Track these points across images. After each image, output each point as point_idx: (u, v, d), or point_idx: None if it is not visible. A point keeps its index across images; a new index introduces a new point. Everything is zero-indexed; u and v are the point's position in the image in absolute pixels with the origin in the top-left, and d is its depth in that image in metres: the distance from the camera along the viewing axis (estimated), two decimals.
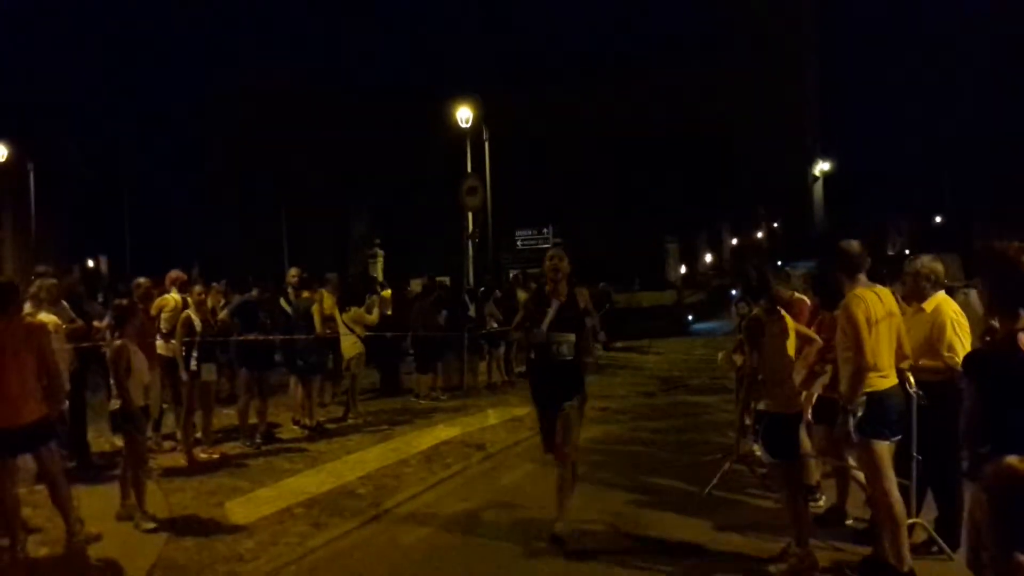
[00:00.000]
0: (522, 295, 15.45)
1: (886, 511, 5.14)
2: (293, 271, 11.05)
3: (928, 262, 5.83)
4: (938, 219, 53.78)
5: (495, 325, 14.32)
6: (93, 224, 45.36)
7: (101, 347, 7.84)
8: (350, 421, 11.06)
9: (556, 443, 6.16)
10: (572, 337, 6.10)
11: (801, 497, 5.65)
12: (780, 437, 5.51)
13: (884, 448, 5.20)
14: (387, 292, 15.01)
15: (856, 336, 5.05)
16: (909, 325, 5.67)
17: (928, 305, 5.69)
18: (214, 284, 10.87)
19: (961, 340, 5.52)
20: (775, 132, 56.23)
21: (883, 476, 5.14)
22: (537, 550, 6.00)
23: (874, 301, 5.18)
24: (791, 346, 5.60)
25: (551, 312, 6.08)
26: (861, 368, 5.05)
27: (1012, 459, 2.75)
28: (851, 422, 5.09)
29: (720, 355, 8.36)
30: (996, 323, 3.48)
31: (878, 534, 5.32)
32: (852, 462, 6.23)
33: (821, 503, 6.72)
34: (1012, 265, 3.32)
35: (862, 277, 5.29)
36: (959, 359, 5.30)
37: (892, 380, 5.23)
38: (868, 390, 5.09)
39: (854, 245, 5.35)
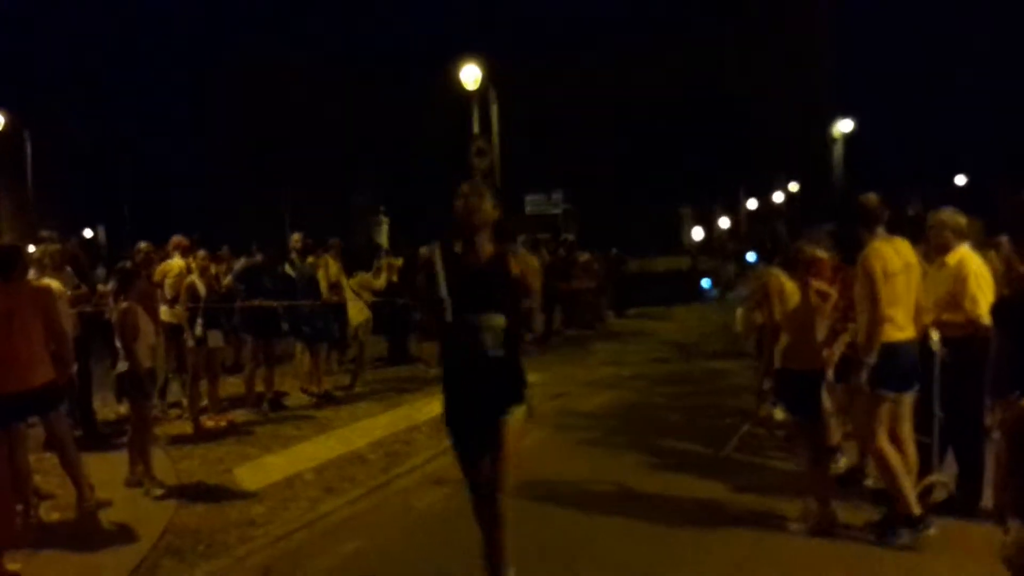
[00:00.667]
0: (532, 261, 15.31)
1: (880, 462, 5.12)
2: (296, 236, 10.88)
3: (951, 213, 5.74)
4: (959, 181, 53.03)
5: None
6: (91, 194, 45.21)
7: (104, 314, 7.75)
8: (358, 389, 10.93)
9: (482, 478, 4.30)
10: (500, 321, 4.06)
11: (822, 457, 5.54)
12: (801, 395, 5.43)
13: (904, 400, 5.16)
14: (398, 260, 14.86)
15: (872, 288, 4.99)
16: (932, 279, 5.61)
17: (951, 259, 5.59)
18: (220, 251, 10.74)
19: (984, 293, 5.42)
20: (793, 94, 55.44)
21: (878, 427, 5.09)
22: (550, 510, 5.92)
23: (891, 254, 5.11)
24: (813, 303, 5.49)
25: (460, 281, 4.08)
26: (876, 320, 4.97)
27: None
28: (865, 374, 5.01)
29: (738, 313, 8.21)
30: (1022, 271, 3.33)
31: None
32: None
33: (841, 464, 6.59)
34: None
35: (881, 230, 5.22)
36: (981, 311, 5.26)
37: (909, 333, 5.15)
38: (884, 341, 5.01)
39: (872, 198, 5.31)
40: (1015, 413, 2.71)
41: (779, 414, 6.97)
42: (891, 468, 5.07)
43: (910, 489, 5.09)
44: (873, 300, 4.98)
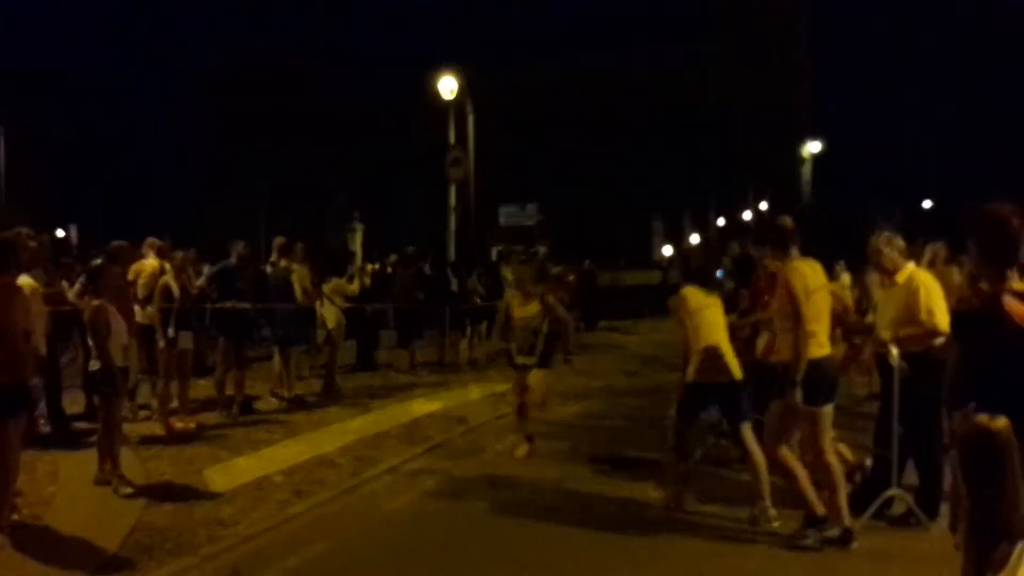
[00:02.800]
0: (507, 272, 15.43)
1: (783, 468, 5.44)
2: (280, 240, 10.86)
3: (889, 235, 5.95)
4: (926, 204, 53.99)
5: (478, 300, 14.26)
6: (64, 193, 44.69)
7: (74, 313, 7.72)
8: (339, 392, 10.92)
9: None
10: None
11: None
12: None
13: (825, 414, 5.39)
14: (371, 267, 14.92)
15: (796, 306, 5.20)
16: (885, 300, 5.87)
17: (900, 277, 5.77)
18: (183, 252, 10.64)
19: (937, 303, 5.58)
20: (765, 112, 56.24)
21: (778, 437, 5.40)
22: (521, 516, 6.04)
23: (810, 273, 5.38)
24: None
25: None
26: (803, 337, 5.19)
27: (982, 417, 2.75)
28: (798, 392, 5.19)
29: None
30: (984, 285, 3.49)
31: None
32: (834, 433, 6.31)
33: None
34: (1001, 225, 3.30)
35: (795, 251, 5.48)
36: (937, 321, 5.44)
37: (827, 349, 5.41)
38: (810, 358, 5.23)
39: (788, 220, 5.64)
40: (968, 426, 2.83)
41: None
42: (794, 473, 5.35)
43: (812, 491, 5.32)
44: (798, 318, 5.19)
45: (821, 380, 5.28)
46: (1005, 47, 51.11)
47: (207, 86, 52.16)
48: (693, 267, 7.04)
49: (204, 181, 51.67)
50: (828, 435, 5.46)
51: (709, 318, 6.00)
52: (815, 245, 6.07)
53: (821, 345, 5.31)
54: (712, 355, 5.89)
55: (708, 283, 6.13)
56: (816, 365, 5.23)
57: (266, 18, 54.03)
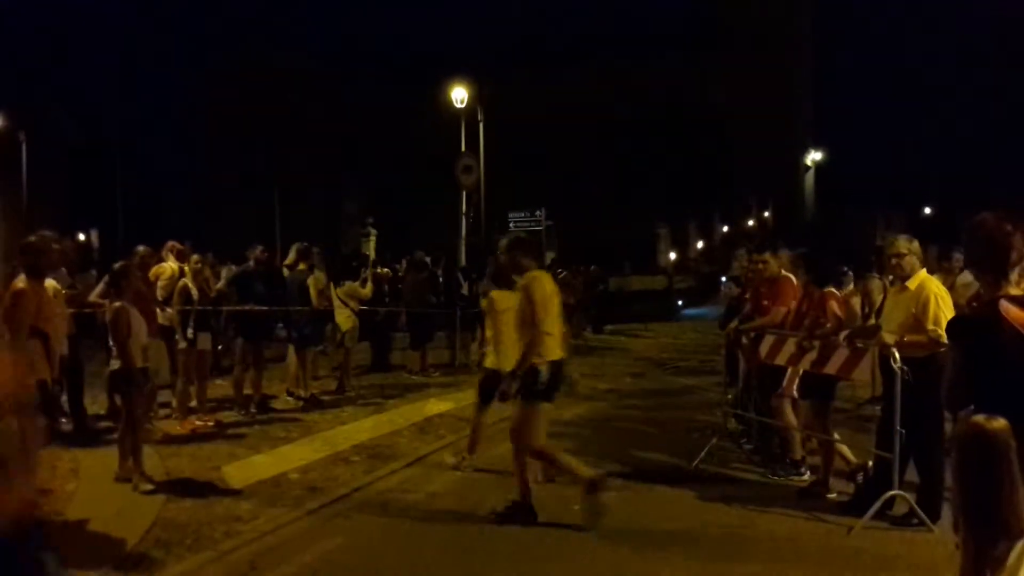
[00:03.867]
0: (516, 277, 15.55)
1: (545, 460, 6.23)
2: (298, 244, 11.05)
3: (907, 240, 6.02)
4: (927, 210, 53.95)
5: None
6: (86, 198, 45.05)
7: (96, 314, 7.92)
8: (350, 393, 11.11)
9: None
10: None
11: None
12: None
13: (543, 410, 6.00)
14: (387, 271, 15.12)
15: (535, 311, 5.76)
16: (894, 303, 5.92)
17: (912, 283, 5.84)
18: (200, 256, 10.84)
19: (945, 314, 5.63)
20: (768, 121, 56.33)
21: (535, 433, 5.97)
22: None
23: (548, 281, 6.03)
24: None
25: None
26: (537, 341, 5.73)
27: (979, 417, 2.83)
28: (515, 385, 5.84)
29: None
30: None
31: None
32: (836, 436, 6.46)
33: (806, 477, 6.87)
34: (994, 234, 3.38)
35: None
36: (942, 332, 5.44)
37: (559, 353, 6.01)
38: (544, 359, 5.81)
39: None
40: (965, 427, 2.90)
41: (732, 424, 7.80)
42: (558, 461, 6.10)
43: (578, 467, 6.00)
44: (539, 322, 5.74)
45: (556, 379, 5.94)
46: (1008, 52, 50.98)
47: (218, 92, 52.47)
48: (493, 271, 7.87)
49: (218, 187, 52.00)
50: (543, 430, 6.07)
51: (510, 319, 6.53)
52: (820, 252, 6.19)
53: (555, 348, 5.91)
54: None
55: (512, 286, 6.60)
56: (556, 366, 5.89)
57: (279, 26, 54.35)
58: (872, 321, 6.59)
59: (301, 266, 10.67)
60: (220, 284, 9.48)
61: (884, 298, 6.57)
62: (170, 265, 9.12)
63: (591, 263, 23.58)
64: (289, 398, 10.45)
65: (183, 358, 8.66)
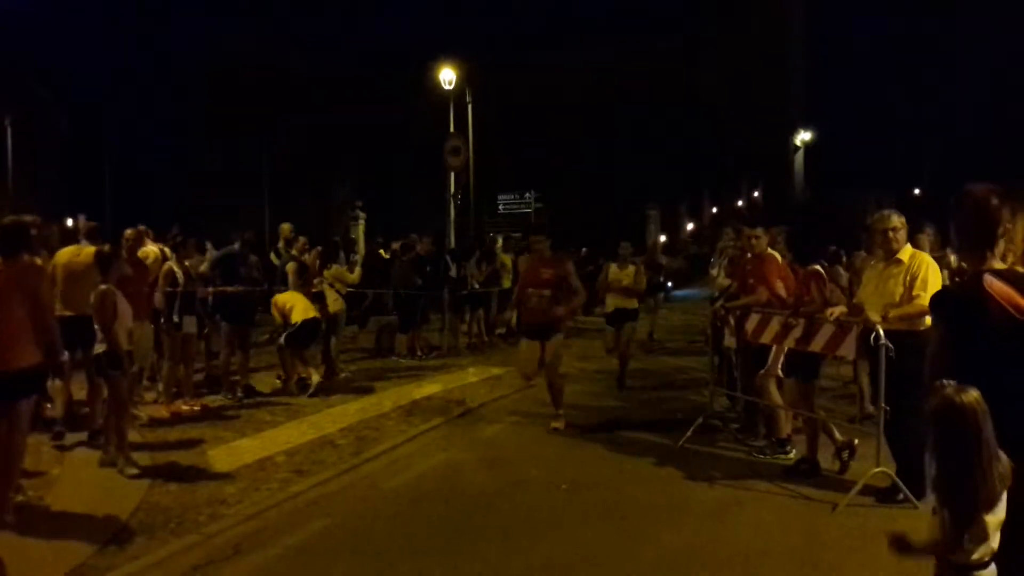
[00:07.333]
0: (505, 258, 15.56)
1: None
2: (287, 226, 10.96)
3: (899, 215, 6.08)
4: (917, 191, 54.03)
5: (476, 286, 14.40)
6: (72, 182, 44.68)
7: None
8: (342, 376, 11.06)
9: None
10: None
11: None
12: None
13: None
14: (383, 252, 15.11)
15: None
16: (885, 276, 5.95)
17: (904, 255, 5.92)
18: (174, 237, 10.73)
19: (933, 283, 5.70)
20: (758, 101, 56.24)
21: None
22: (518, 494, 6.19)
23: None
24: None
25: None
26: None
27: (950, 389, 2.82)
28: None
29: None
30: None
31: None
32: (823, 414, 6.47)
33: (792, 455, 6.90)
34: (981, 206, 3.31)
35: None
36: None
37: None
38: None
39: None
40: (939, 398, 2.90)
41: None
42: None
43: None
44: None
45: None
46: (1001, 34, 50.99)
47: (207, 77, 52.09)
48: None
49: (206, 171, 51.65)
50: None
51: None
52: (810, 231, 6.21)
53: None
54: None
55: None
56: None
57: (265, 11, 53.87)
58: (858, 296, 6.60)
59: (293, 250, 10.61)
60: (204, 267, 9.40)
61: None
62: (151, 248, 9.05)
63: (581, 245, 23.50)
64: (276, 381, 10.40)
65: (168, 341, 8.61)
